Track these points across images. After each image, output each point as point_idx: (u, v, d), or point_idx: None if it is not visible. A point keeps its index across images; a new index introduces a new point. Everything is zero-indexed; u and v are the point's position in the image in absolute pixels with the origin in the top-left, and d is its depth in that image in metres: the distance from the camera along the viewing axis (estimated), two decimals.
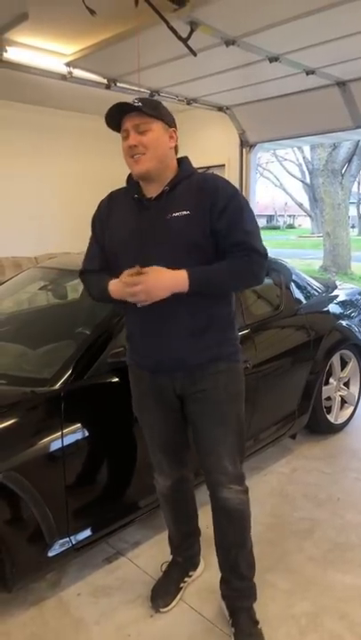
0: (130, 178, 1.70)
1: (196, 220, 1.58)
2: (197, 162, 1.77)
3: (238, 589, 1.78)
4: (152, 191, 1.64)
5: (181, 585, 1.95)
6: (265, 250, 1.62)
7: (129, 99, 1.60)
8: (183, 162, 1.69)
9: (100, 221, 1.77)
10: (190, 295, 1.55)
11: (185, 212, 1.58)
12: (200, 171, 1.71)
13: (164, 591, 1.91)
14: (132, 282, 1.50)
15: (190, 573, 1.99)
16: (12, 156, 5.40)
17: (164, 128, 1.60)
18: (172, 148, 1.64)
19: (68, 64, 3.86)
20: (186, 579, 1.97)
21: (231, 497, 1.72)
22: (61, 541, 1.84)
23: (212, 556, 1.85)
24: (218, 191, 1.60)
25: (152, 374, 1.72)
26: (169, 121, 1.62)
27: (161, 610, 1.86)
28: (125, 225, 1.67)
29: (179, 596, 1.92)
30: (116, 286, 1.61)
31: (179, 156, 1.69)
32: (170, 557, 2.00)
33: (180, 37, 2.96)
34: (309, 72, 3.99)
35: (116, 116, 1.59)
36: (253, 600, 1.78)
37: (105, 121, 1.61)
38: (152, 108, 1.57)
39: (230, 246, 1.59)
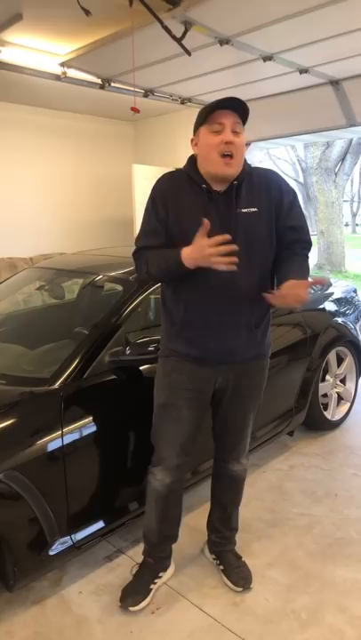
0: (193, 165, 1.70)
1: (264, 218, 1.69)
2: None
3: (226, 537, 2.04)
4: (218, 186, 1.67)
5: (151, 586, 1.92)
6: None
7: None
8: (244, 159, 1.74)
9: (163, 198, 1.69)
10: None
11: (253, 209, 1.67)
12: None
13: (133, 591, 1.89)
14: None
15: (160, 574, 1.96)
16: (6, 158, 5.39)
17: (244, 135, 1.67)
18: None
19: (62, 64, 3.86)
20: (156, 580, 1.94)
21: (241, 469, 1.96)
22: (62, 540, 1.85)
23: (200, 557, 1.86)
24: (282, 190, 1.73)
25: (197, 366, 1.73)
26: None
27: (130, 609, 1.84)
28: (192, 213, 1.63)
29: (149, 598, 1.89)
30: (190, 250, 1.53)
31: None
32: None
33: (174, 37, 2.97)
34: (303, 71, 4.00)
35: (212, 109, 1.61)
36: (235, 545, 2.07)
37: (201, 111, 1.64)
38: (247, 115, 1.65)
39: (299, 242, 1.75)
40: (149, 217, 1.72)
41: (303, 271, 1.72)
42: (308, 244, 1.79)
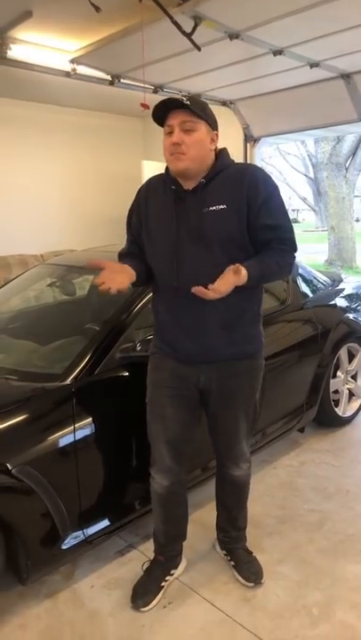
0: (167, 168, 1.71)
1: (233, 215, 1.60)
2: None
3: (234, 537, 2.04)
4: (189, 184, 1.65)
5: (162, 584, 1.92)
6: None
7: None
8: (221, 154, 1.68)
9: (138, 206, 1.79)
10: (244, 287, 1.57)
11: (221, 207, 1.60)
12: None
13: (144, 590, 1.89)
14: (200, 291, 1.48)
15: (172, 572, 1.96)
16: (16, 155, 5.41)
17: (208, 130, 1.61)
18: (211, 150, 1.64)
19: (72, 61, 3.86)
20: (167, 577, 1.94)
21: (241, 473, 1.92)
22: (74, 534, 1.87)
23: (211, 552, 1.86)
24: (258, 184, 1.61)
25: (177, 363, 1.73)
26: (213, 123, 1.63)
27: (141, 609, 1.84)
28: (161, 215, 1.69)
29: (160, 595, 1.89)
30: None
31: None
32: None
33: (183, 32, 2.96)
34: (314, 65, 3.97)
35: (162, 111, 1.59)
36: (245, 541, 2.06)
37: (152, 114, 1.62)
38: (200, 109, 1.58)
39: (273, 240, 1.63)
40: (127, 224, 1.85)
41: (262, 262, 1.60)
42: (287, 241, 1.66)
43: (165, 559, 1.96)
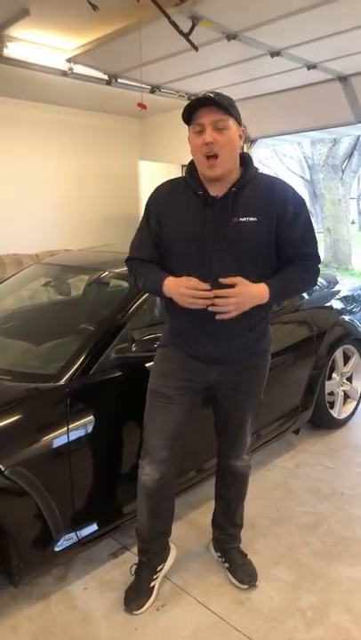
0: (191, 171, 1.66)
1: (263, 228, 1.59)
2: None
3: (231, 534, 2.03)
4: (216, 190, 1.61)
5: (152, 584, 1.89)
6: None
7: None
8: (248, 160, 1.66)
9: (157, 210, 1.70)
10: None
11: (252, 219, 1.58)
12: None
13: (135, 594, 1.86)
14: (226, 293, 1.51)
15: (159, 568, 1.92)
16: (11, 154, 5.40)
17: (237, 126, 1.58)
18: (240, 147, 1.62)
19: (69, 60, 3.86)
20: (155, 576, 1.90)
21: (243, 465, 1.95)
22: (67, 536, 1.85)
23: (205, 554, 1.85)
24: (287, 199, 1.62)
25: (190, 359, 1.73)
26: (239, 119, 1.59)
27: (134, 612, 1.83)
28: (187, 222, 1.63)
29: (153, 595, 1.87)
30: (171, 284, 1.60)
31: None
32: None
33: (181, 32, 2.96)
34: (311, 67, 3.98)
35: (189, 110, 1.54)
36: (240, 542, 2.05)
37: (182, 114, 1.58)
38: (229, 104, 1.54)
39: (301, 255, 1.66)
40: (142, 228, 1.75)
41: (283, 280, 1.64)
42: (312, 256, 1.70)
43: (149, 558, 1.91)
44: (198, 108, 1.53)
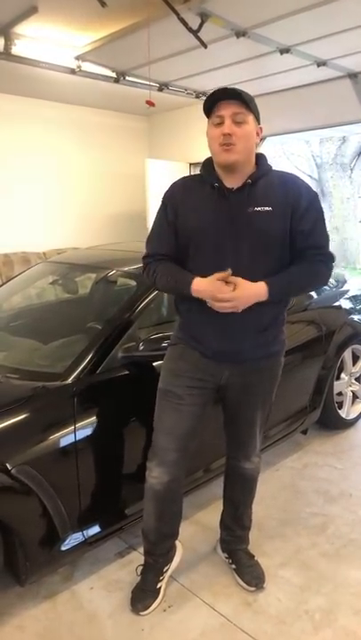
0: (207, 165, 1.69)
1: (278, 218, 1.62)
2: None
3: (238, 536, 2.02)
4: (232, 182, 1.64)
5: (159, 585, 1.87)
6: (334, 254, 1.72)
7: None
8: (262, 157, 1.70)
9: (173, 201, 1.71)
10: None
11: (267, 209, 1.61)
12: None
13: (142, 595, 1.85)
14: (227, 297, 1.54)
15: (165, 569, 1.90)
16: (19, 151, 5.40)
17: (255, 123, 1.61)
18: (256, 143, 1.65)
19: (77, 57, 3.85)
20: (162, 577, 1.89)
21: (252, 467, 1.94)
22: (74, 535, 1.84)
23: (212, 554, 1.84)
24: (301, 192, 1.66)
25: (202, 357, 1.72)
26: (258, 117, 1.63)
27: (141, 613, 1.82)
28: (203, 213, 1.65)
29: (160, 596, 1.87)
30: (204, 287, 1.59)
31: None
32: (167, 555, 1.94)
33: (190, 29, 2.94)
34: (320, 63, 3.95)
35: (211, 102, 1.58)
36: (247, 544, 2.04)
37: (203, 105, 1.61)
38: (250, 100, 1.58)
39: (309, 248, 1.66)
40: (160, 220, 1.75)
41: (285, 276, 1.64)
42: (322, 250, 1.69)
43: (155, 560, 1.89)
44: (220, 100, 1.56)
